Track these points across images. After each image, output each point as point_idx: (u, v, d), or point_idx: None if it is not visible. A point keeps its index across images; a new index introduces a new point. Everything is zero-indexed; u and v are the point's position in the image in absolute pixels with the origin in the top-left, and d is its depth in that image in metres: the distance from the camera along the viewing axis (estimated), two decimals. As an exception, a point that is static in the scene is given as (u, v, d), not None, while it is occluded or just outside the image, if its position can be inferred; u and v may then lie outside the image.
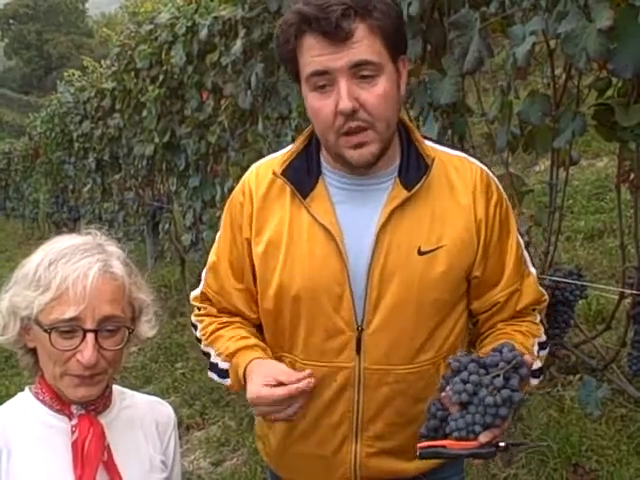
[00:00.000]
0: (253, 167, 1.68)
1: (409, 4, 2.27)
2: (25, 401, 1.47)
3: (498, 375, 1.32)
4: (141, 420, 1.56)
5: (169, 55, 4.73)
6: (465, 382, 1.34)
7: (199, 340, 1.70)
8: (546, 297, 1.66)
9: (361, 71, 1.40)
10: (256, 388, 1.45)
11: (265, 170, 1.62)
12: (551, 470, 2.79)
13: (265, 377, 1.45)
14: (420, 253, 1.51)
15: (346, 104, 1.40)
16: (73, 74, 9.14)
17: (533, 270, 1.65)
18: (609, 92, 2.06)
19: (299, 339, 1.58)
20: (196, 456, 4.40)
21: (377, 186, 1.54)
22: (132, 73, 5.71)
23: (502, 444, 1.36)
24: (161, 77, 5.01)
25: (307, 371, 1.47)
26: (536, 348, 1.59)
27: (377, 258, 1.51)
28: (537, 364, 1.57)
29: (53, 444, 1.42)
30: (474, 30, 2.11)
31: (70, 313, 1.35)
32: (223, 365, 1.61)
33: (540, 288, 1.65)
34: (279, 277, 1.56)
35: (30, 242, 16.00)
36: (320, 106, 1.45)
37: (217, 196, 4.82)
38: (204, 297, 1.71)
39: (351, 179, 1.54)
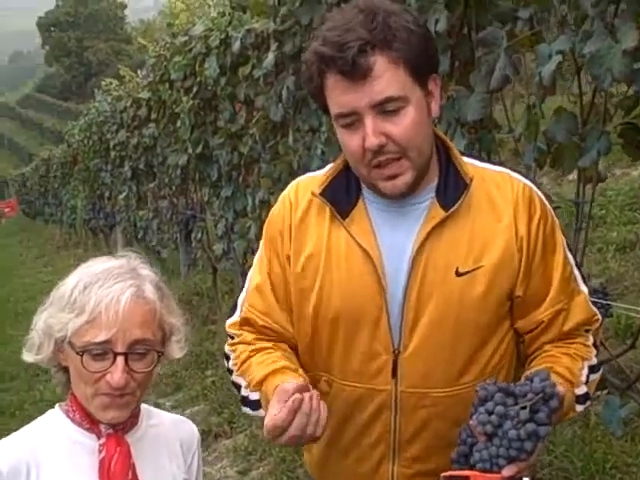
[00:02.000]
0: (294, 182, 1.66)
1: (436, 20, 2.28)
2: (55, 419, 1.50)
3: (524, 407, 1.27)
4: (166, 439, 1.58)
5: (203, 67, 4.79)
6: (490, 413, 1.30)
7: (230, 371, 1.64)
8: (598, 317, 1.59)
9: (386, 107, 1.39)
10: (266, 421, 1.39)
11: (305, 187, 1.61)
12: (575, 487, 2.77)
13: (275, 406, 1.39)
14: (458, 274, 1.47)
15: (372, 142, 1.39)
16: (111, 83, 9.29)
17: (584, 289, 1.58)
18: (636, 111, 2.05)
19: (336, 360, 1.56)
20: (223, 464, 4.43)
21: (415, 206, 1.52)
22: (167, 84, 5.79)
23: (526, 479, 1.30)
24: (195, 88, 5.07)
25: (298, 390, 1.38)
26: (585, 372, 1.53)
27: (414, 279, 1.48)
28: (582, 389, 1.51)
29: (80, 462, 1.45)
30: (501, 48, 2.12)
31: (102, 337, 1.38)
32: (253, 396, 1.56)
33: (592, 307, 1.58)
34: (317, 297, 1.54)
35: (68, 247, 16.27)
36: (348, 141, 1.44)
37: (248, 206, 4.86)
38: (244, 322, 1.65)
39: (389, 199, 1.52)
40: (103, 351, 1.39)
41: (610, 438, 2.89)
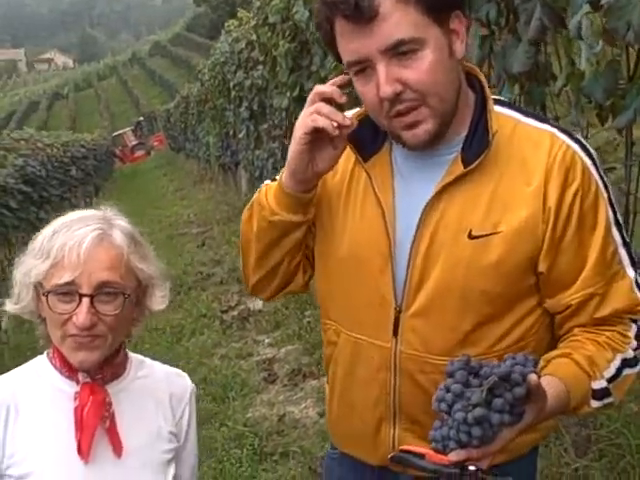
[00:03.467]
0: None
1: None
2: (41, 365, 1.57)
3: (484, 390, 1.15)
4: (153, 391, 1.60)
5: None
6: (448, 390, 1.20)
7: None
8: None
9: (399, 50, 1.28)
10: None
11: None
12: (627, 465, 2.61)
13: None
14: (471, 237, 1.37)
15: (386, 90, 1.29)
16: (232, 24, 9.36)
17: (631, 273, 1.41)
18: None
19: (342, 305, 1.54)
20: (307, 404, 4.54)
21: (440, 158, 1.41)
22: (267, 27, 5.78)
23: (472, 468, 1.19)
24: (289, 32, 5.04)
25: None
26: (616, 364, 1.39)
27: (421, 236, 1.40)
28: (601, 384, 1.37)
29: (62, 407, 1.50)
30: (537, -4, 1.95)
31: (66, 278, 1.42)
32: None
33: (637, 294, 1.41)
34: (329, 237, 1.53)
35: (203, 182, 16.84)
36: (364, 91, 1.35)
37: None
38: None
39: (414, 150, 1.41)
40: (68, 292, 1.42)
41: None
